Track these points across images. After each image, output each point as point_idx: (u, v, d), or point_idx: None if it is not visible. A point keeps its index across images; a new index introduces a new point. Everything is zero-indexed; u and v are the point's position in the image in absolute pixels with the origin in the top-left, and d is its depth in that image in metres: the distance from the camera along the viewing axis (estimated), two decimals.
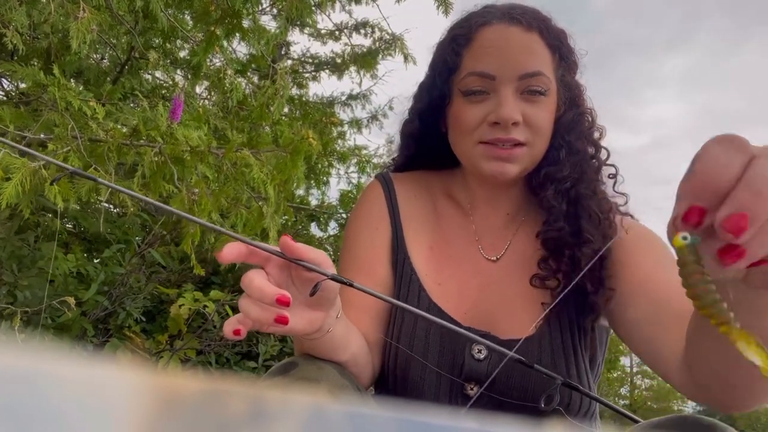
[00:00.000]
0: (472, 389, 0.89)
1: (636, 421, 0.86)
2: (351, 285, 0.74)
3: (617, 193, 0.96)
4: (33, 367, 0.15)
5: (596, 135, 0.98)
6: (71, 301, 2.08)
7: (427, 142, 1.05)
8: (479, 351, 0.89)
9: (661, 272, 0.87)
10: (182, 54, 3.55)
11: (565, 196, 0.92)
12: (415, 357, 0.91)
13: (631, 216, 0.98)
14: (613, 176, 0.98)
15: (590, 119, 0.97)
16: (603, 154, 0.98)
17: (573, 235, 0.90)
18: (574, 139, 0.93)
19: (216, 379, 0.17)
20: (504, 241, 1.00)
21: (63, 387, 0.15)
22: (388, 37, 4.19)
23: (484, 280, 0.97)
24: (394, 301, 0.83)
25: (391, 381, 0.95)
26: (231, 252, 0.64)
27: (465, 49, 0.90)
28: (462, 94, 0.90)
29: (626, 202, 0.96)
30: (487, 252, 1.00)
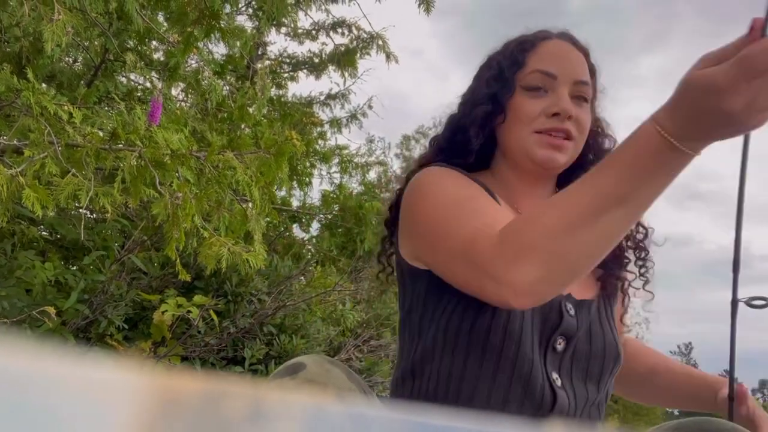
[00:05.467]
0: (560, 344, 0.95)
1: None
2: None
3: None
4: (32, 367, 0.15)
5: None
6: (51, 311, 2.02)
7: (483, 135, 1.03)
8: (569, 309, 0.95)
9: None
10: (157, 56, 3.49)
11: None
12: (515, 310, 0.90)
13: None
14: None
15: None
16: None
17: None
18: (597, 157, 1.07)
19: (216, 379, 0.16)
20: None
21: (62, 388, 0.15)
22: (365, 35, 4.17)
23: None
24: None
25: (493, 328, 0.91)
26: None
27: (530, 53, 1.03)
28: (524, 90, 1.00)
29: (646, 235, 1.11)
30: None
